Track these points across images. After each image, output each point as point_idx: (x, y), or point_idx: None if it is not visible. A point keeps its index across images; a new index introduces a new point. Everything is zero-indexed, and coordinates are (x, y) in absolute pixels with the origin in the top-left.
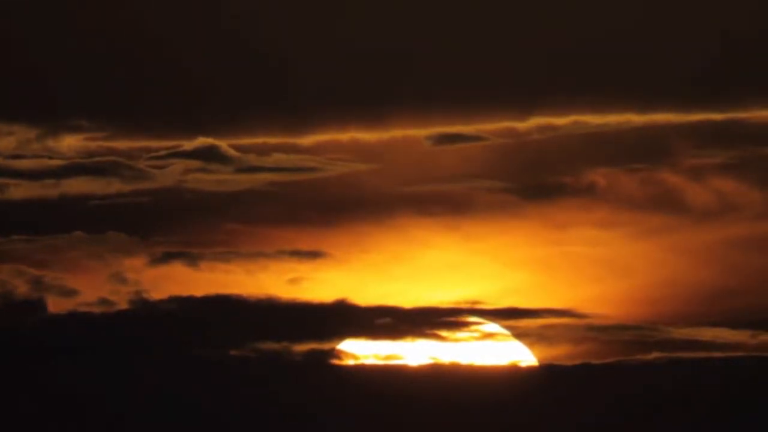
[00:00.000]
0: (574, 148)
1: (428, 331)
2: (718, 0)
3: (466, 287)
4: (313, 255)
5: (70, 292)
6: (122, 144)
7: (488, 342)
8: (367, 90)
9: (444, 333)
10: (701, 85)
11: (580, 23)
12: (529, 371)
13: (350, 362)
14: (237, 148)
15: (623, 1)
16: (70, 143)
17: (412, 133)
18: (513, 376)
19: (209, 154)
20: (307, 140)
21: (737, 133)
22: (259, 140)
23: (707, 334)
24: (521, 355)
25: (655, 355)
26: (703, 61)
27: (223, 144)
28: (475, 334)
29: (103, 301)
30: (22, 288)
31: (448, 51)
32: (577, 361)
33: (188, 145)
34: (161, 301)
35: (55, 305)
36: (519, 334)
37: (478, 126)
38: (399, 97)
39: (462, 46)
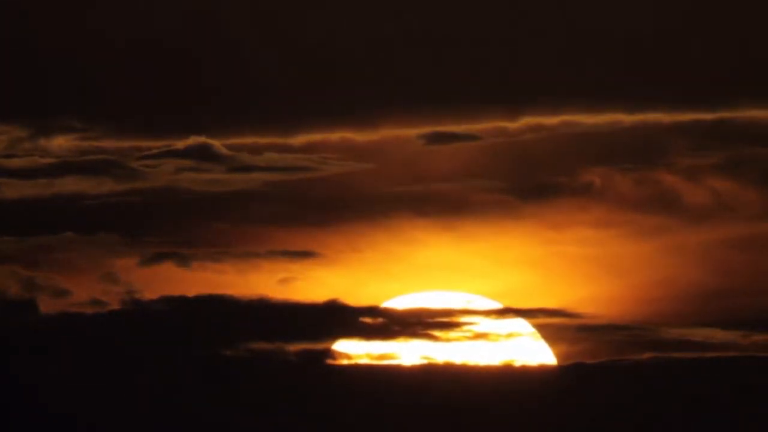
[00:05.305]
0: (567, 148)
1: (421, 331)
2: (707, 0)
3: (459, 287)
4: (306, 255)
5: (61, 293)
6: (114, 143)
7: (481, 342)
8: (357, 90)
9: (437, 333)
10: (691, 85)
11: (570, 23)
12: (523, 371)
13: (343, 362)
14: (229, 147)
15: (615, 2)
16: (62, 143)
17: (403, 132)
18: (507, 376)
19: (202, 154)
20: (298, 140)
21: (728, 133)
22: (250, 140)
23: (700, 334)
24: (519, 354)
25: (647, 355)
26: (692, 61)
27: (215, 143)
28: (468, 334)
29: (95, 302)
30: (13, 288)
31: (438, 50)
32: (570, 361)
33: (180, 144)
34: (153, 301)
35: (47, 305)
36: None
37: (469, 126)
38: (389, 96)
39: (452, 45)
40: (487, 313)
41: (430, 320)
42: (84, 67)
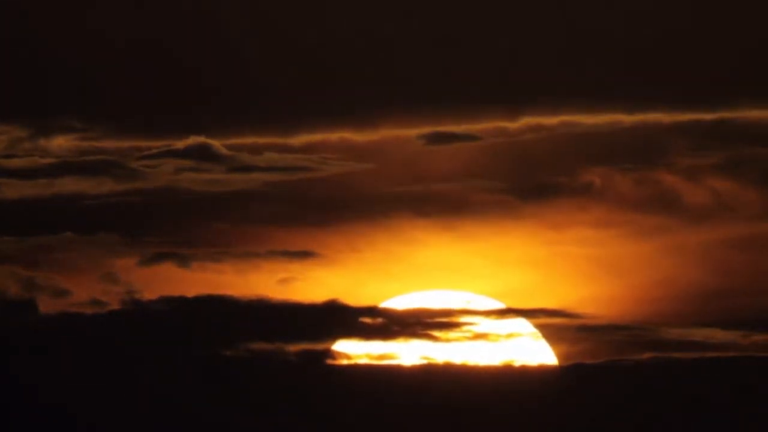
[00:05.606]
0: (567, 148)
1: (421, 331)
2: (707, 1)
3: (459, 287)
4: (305, 255)
5: (61, 293)
6: (114, 143)
7: (481, 342)
8: (357, 90)
9: (437, 333)
10: (691, 85)
11: (570, 23)
12: (522, 371)
13: (343, 362)
14: (229, 147)
15: (615, 2)
16: (62, 143)
17: (403, 132)
18: (507, 376)
19: (201, 154)
20: (298, 140)
21: (728, 133)
22: (250, 140)
23: (700, 334)
24: (519, 354)
25: (647, 355)
26: (692, 61)
27: (215, 143)
28: (468, 334)
29: (95, 302)
30: (13, 288)
31: (438, 50)
32: (570, 362)
33: (180, 144)
34: (152, 302)
35: (47, 305)
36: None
37: (469, 126)
38: (389, 96)
39: (452, 45)
40: (487, 313)
41: (429, 320)
42: (84, 67)
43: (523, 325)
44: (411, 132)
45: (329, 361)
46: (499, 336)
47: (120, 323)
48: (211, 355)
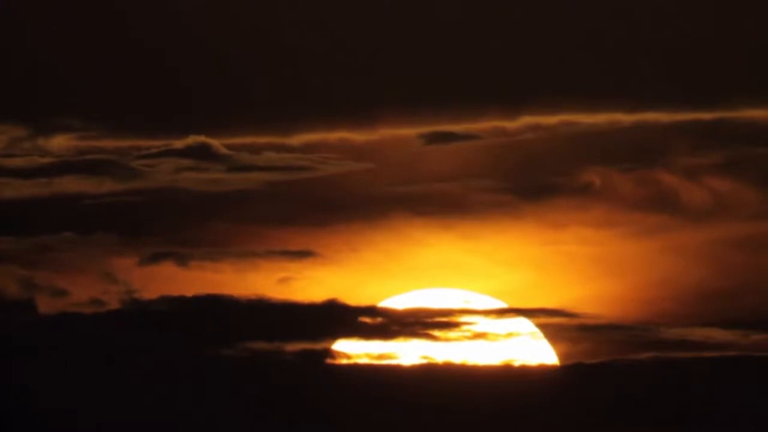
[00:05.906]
0: (567, 148)
1: (421, 331)
2: (707, 0)
3: (459, 286)
4: (304, 254)
5: (60, 293)
6: (113, 143)
7: (481, 342)
8: (355, 89)
9: (436, 333)
10: (691, 85)
11: (570, 23)
12: (522, 371)
13: (343, 362)
14: (228, 147)
15: (614, 1)
16: (61, 142)
17: (402, 132)
18: (506, 376)
19: (201, 153)
20: (297, 140)
21: (728, 133)
22: (249, 140)
23: (700, 334)
24: (519, 354)
25: (647, 355)
26: (692, 60)
27: (215, 143)
28: (468, 334)
29: (94, 301)
30: (12, 288)
31: (438, 49)
32: (570, 361)
33: (180, 143)
34: (152, 301)
35: (46, 305)
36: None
37: (468, 125)
38: (388, 96)
39: (451, 45)
40: (487, 312)
41: (429, 320)
42: (83, 66)
43: (523, 324)
44: (410, 131)
45: (329, 361)
46: (498, 336)
47: (119, 323)
48: (211, 354)
